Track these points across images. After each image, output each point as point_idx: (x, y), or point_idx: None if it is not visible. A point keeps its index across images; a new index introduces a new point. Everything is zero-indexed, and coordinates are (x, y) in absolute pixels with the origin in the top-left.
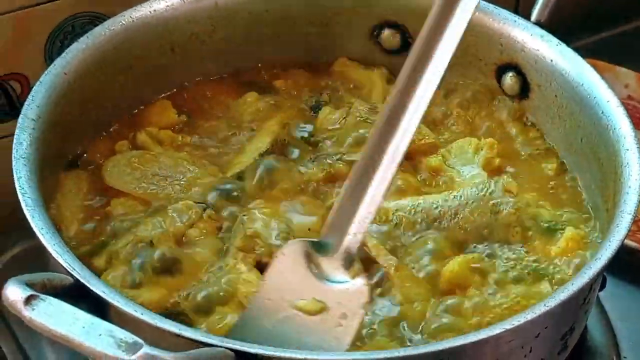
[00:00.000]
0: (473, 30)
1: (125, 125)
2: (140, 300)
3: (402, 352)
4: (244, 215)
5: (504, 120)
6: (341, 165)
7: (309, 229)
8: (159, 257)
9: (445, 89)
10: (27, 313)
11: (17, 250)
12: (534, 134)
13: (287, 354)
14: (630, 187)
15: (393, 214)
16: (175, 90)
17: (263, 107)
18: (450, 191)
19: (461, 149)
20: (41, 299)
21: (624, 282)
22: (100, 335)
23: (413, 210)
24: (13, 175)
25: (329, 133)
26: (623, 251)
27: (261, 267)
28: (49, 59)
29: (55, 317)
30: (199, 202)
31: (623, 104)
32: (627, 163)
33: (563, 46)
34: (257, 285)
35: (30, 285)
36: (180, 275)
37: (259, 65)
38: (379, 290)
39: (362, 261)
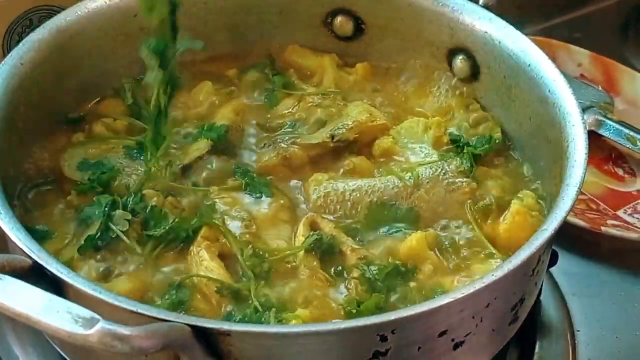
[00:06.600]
0: (424, 15)
1: (81, 116)
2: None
3: (354, 322)
4: (206, 205)
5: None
6: (296, 149)
7: (270, 216)
8: None
9: (398, 72)
10: None
11: None
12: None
13: (242, 328)
14: (576, 160)
15: (350, 194)
16: (130, 80)
17: (218, 95)
18: (405, 171)
19: (410, 129)
20: (0, 278)
21: (575, 258)
22: (58, 312)
23: (370, 191)
24: None
25: (283, 119)
26: (573, 228)
27: (224, 256)
28: (7, 52)
29: (14, 295)
30: (159, 190)
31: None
32: (573, 138)
33: (510, 28)
34: (218, 274)
35: None
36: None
37: (214, 54)
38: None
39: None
